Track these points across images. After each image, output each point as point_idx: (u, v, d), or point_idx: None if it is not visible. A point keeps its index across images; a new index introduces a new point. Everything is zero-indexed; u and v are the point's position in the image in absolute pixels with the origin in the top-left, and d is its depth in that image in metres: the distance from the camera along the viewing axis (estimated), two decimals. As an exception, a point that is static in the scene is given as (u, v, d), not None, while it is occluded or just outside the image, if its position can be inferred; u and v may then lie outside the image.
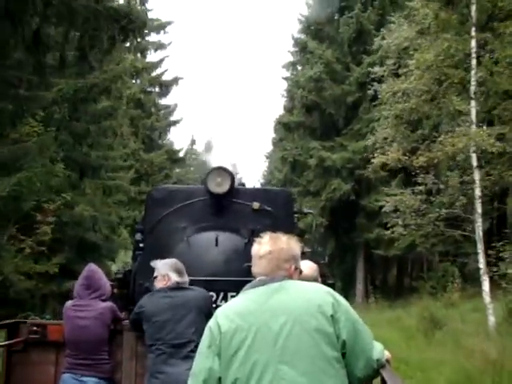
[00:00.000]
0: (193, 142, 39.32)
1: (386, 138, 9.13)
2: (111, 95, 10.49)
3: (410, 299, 11.69)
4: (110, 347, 2.71)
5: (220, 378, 1.26)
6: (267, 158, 27.68)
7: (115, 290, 2.97)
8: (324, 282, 2.83)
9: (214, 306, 2.48)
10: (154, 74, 21.76)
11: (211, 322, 1.37)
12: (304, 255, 2.39)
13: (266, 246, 1.41)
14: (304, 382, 1.21)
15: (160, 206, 3.17)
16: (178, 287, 2.36)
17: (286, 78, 19.61)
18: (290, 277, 1.40)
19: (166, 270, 2.41)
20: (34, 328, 2.79)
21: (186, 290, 2.38)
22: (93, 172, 10.77)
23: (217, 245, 2.93)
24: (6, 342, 2.85)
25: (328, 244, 15.89)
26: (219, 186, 2.96)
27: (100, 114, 10.77)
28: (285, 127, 16.61)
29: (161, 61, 21.61)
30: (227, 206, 3.11)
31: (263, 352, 1.25)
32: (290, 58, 18.17)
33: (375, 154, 9.11)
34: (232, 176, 3.09)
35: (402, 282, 16.89)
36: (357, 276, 14.94)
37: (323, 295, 1.34)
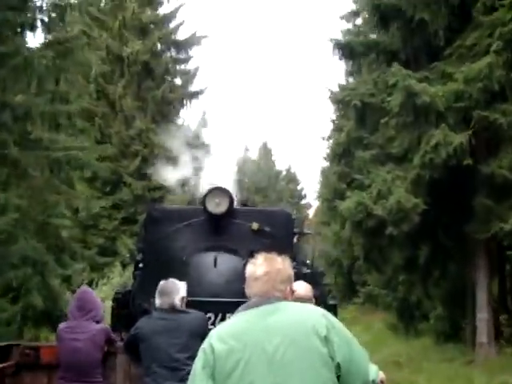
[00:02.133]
0: (246, 150, 56.66)
1: None
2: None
3: None
4: (104, 369, 4.78)
5: None
6: (327, 139, 32.04)
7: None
8: (325, 304, 5.07)
9: (212, 327, 4.22)
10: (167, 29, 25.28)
11: (205, 344, 2.36)
12: (305, 276, 4.55)
13: (262, 267, 2.46)
14: None
15: (158, 225, 5.44)
16: (174, 310, 4.21)
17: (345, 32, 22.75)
18: (286, 298, 2.46)
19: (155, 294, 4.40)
20: (27, 351, 5.02)
21: (181, 314, 4.23)
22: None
23: (215, 266, 5.12)
24: (-2, 366, 5.01)
25: (422, 245, 15.20)
26: (217, 207, 5.14)
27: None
28: (346, 52, 16.06)
29: (175, 11, 24.97)
30: (226, 227, 5.31)
31: (258, 373, 2.22)
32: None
33: None
34: (230, 196, 5.23)
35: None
36: (476, 298, 13.91)
37: (317, 316, 2.35)
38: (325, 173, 30.75)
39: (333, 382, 2.37)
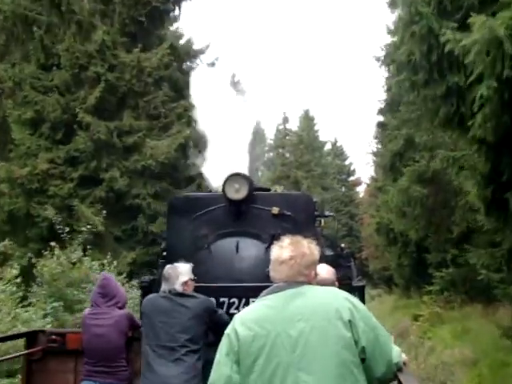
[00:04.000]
0: (285, 120, 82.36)
1: None
2: None
3: None
4: (129, 354, 8.38)
5: None
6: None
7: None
8: (350, 285, 9.27)
9: (236, 311, 7.39)
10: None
11: (229, 329, 4.27)
12: (327, 258, 8.71)
13: (287, 250, 4.45)
14: None
15: (180, 214, 9.19)
16: (180, 293, 7.44)
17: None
18: (309, 283, 4.42)
19: None
20: (53, 337, 8.65)
21: (187, 297, 7.46)
22: None
23: (237, 251, 8.77)
24: (25, 351, 8.66)
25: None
26: (237, 192, 8.76)
27: None
28: None
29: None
30: (246, 212, 8.99)
31: (282, 359, 4.04)
32: None
33: None
34: (250, 181, 8.83)
35: None
36: None
37: (340, 300, 4.24)
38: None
39: (356, 365, 4.10)
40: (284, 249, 4.57)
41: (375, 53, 39.73)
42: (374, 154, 55.43)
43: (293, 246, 4.60)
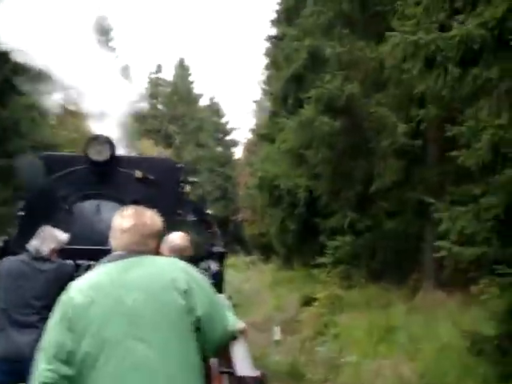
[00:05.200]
0: (158, 69, 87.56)
1: None
2: None
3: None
4: None
5: (71, 352, 4.35)
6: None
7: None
8: (210, 252, 10.41)
9: None
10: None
11: (64, 295, 4.60)
12: (188, 224, 9.84)
13: (130, 219, 4.83)
14: (155, 356, 4.40)
15: (40, 173, 9.97)
16: (41, 258, 8.22)
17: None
18: (150, 253, 4.85)
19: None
20: None
21: (44, 261, 8.26)
22: None
23: (98, 213, 9.86)
24: None
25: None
26: (99, 154, 9.81)
27: None
28: None
29: None
30: (109, 175, 10.01)
31: (116, 327, 4.39)
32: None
33: None
34: (112, 144, 9.87)
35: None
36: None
37: (177, 271, 4.70)
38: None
39: (190, 333, 4.60)
40: (125, 218, 4.96)
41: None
42: (257, 102, 55.93)
43: (135, 215, 4.99)
